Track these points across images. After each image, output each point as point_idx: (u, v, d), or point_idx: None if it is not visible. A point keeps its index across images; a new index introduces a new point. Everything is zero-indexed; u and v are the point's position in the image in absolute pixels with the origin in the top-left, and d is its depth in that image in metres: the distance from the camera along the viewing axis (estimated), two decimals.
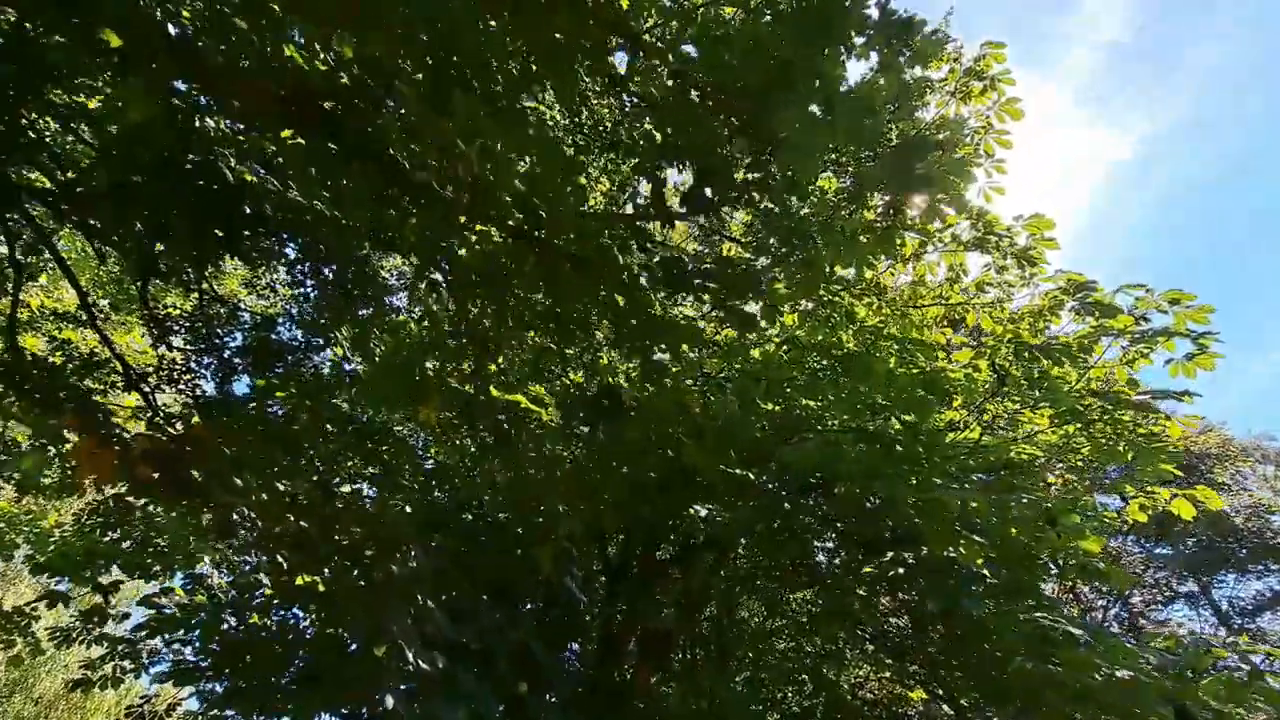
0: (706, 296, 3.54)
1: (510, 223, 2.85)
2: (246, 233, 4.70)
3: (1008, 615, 3.92)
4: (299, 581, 3.26)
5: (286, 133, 2.72)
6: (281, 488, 2.98)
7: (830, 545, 8.36)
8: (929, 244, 6.66)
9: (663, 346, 3.14)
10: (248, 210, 3.97)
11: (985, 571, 4.29)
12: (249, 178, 3.53)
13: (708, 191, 2.79)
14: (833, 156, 5.85)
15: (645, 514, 5.53)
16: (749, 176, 2.90)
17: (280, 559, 3.01)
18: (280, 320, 8.56)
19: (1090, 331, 5.73)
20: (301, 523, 2.75)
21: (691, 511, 5.00)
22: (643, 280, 2.92)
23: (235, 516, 2.69)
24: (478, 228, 2.91)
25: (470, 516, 6.14)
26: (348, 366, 8.60)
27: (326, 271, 7.24)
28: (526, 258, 2.91)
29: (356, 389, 7.26)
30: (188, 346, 7.28)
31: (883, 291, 6.49)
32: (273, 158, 3.10)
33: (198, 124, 3.15)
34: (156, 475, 2.27)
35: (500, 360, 4.14)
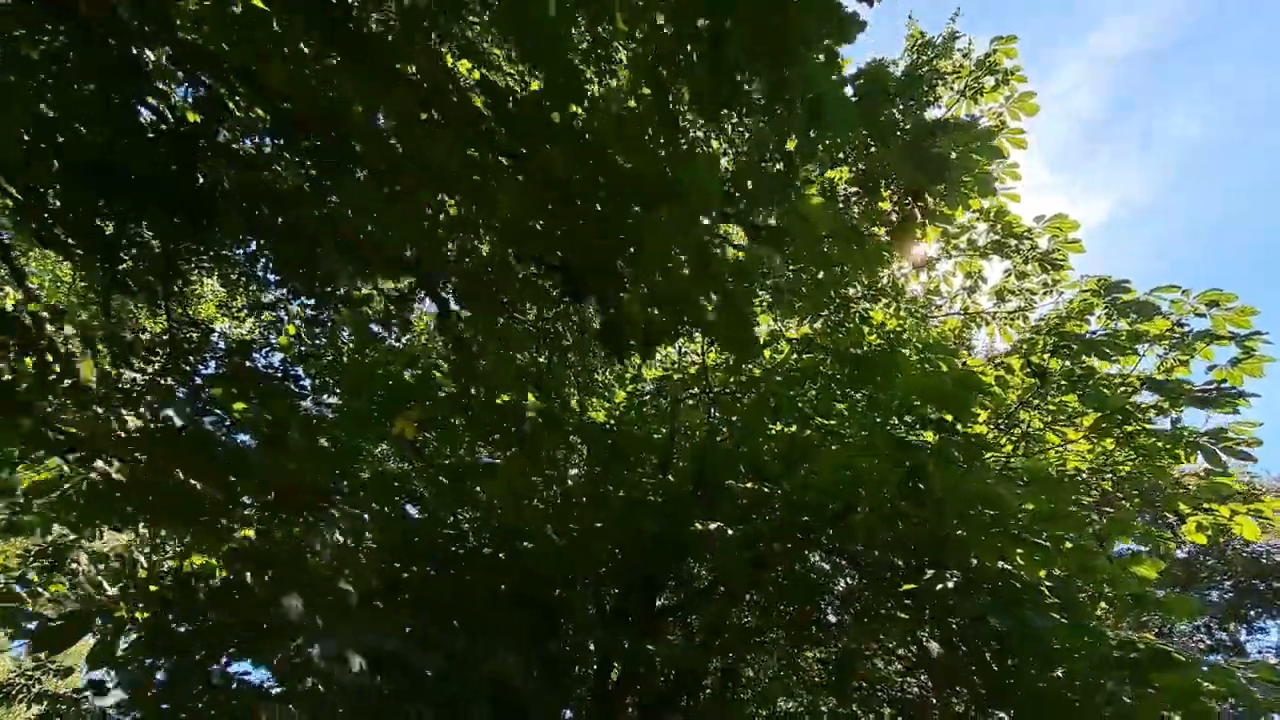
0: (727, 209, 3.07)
1: (488, 130, 2.42)
2: (211, 219, 4.28)
3: (1085, 631, 3.29)
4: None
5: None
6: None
7: (844, 591, 7.66)
8: (946, 249, 6.31)
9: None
10: (203, 182, 3.57)
11: (1045, 586, 3.68)
12: (192, 116, 3.12)
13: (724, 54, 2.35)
14: (842, 154, 5.55)
15: (649, 528, 4.91)
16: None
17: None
18: (255, 346, 8.12)
19: (1126, 334, 5.28)
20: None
21: (698, 526, 4.41)
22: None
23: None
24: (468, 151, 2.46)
25: (450, 536, 5.50)
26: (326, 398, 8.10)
27: (301, 288, 6.83)
28: (508, 177, 2.48)
29: (332, 410, 6.72)
30: (150, 368, 6.79)
31: (900, 293, 6.08)
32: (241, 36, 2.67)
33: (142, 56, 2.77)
34: None
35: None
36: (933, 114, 5.80)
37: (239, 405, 5.04)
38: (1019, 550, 3.55)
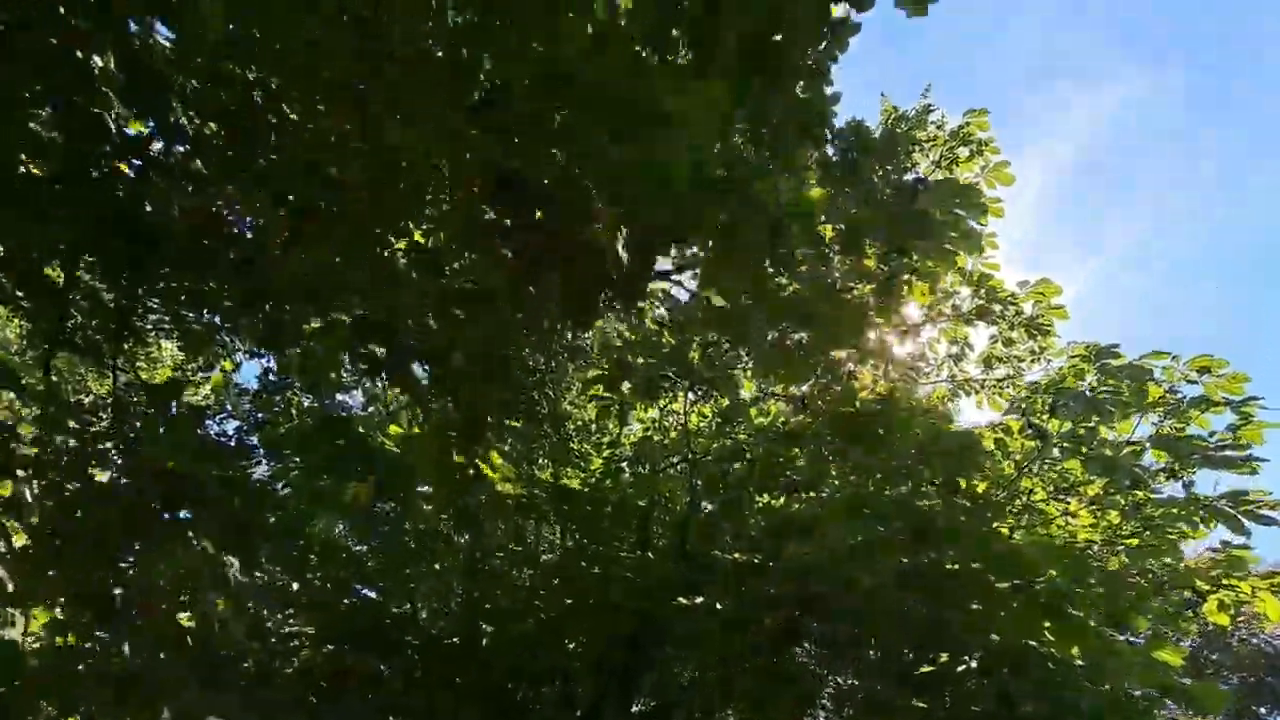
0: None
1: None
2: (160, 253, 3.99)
3: (1136, 716, 2.83)
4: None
5: None
6: None
7: (838, 690, 7.00)
8: (930, 316, 6.21)
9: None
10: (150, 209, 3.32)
11: (1078, 660, 3.23)
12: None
13: None
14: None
15: (626, 604, 4.39)
16: None
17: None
18: (210, 413, 7.66)
19: (1128, 391, 5.10)
20: None
21: (681, 601, 3.93)
22: None
23: None
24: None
25: (402, 618, 4.88)
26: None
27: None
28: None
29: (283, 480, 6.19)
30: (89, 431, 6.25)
31: (889, 358, 5.88)
32: None
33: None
34: None
35: None
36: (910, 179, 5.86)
37: (172, 464, 4.56)
38: (1047, 623, 3.15)
